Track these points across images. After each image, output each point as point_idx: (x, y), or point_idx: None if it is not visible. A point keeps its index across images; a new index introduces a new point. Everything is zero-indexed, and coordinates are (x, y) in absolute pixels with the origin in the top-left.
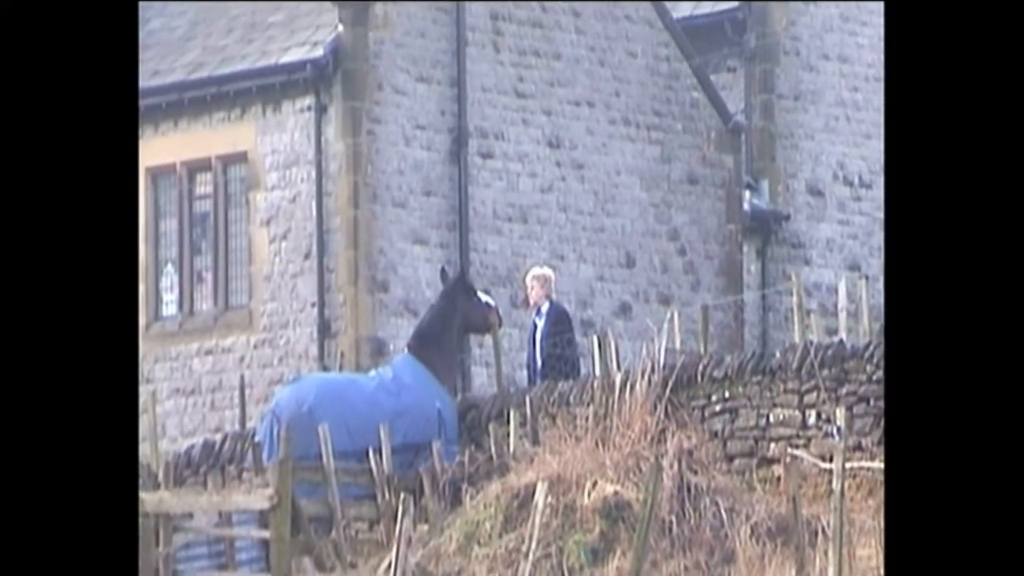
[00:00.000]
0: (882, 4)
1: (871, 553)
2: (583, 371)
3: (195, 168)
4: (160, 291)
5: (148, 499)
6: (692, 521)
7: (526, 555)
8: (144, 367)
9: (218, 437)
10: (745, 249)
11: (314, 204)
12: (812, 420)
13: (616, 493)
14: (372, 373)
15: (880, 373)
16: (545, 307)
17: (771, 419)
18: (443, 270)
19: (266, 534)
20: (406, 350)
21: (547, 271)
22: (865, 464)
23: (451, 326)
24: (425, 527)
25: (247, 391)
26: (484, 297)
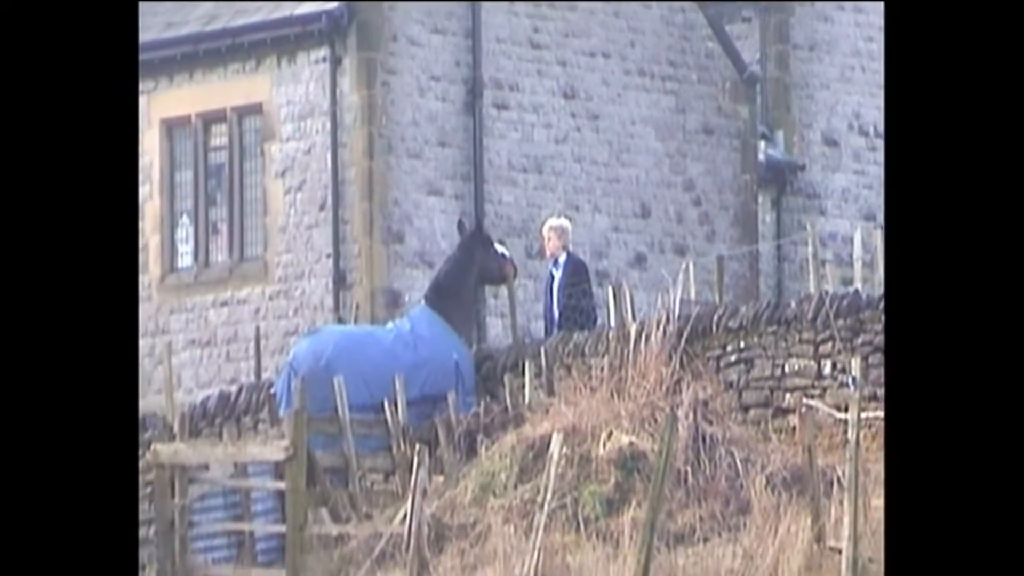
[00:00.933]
0: None
1: None
2: (599, 322)
3: (210, 119)
4: (175, 242)
5: (163, 450)
6: (707, 471)
7: (541, 506)
8: (159, 318)
9: (233, 388)
10: (760, 199)
11: (329, 155)
12: (827, 370)
13: (631, 444)
14: (390, 325)
15: None
16: (562, 258)
17: (786, 369)
18: (460, 222)
19: (282, 485)
20: (423, 302)
21: (564, 222)
22: (880, 414)
23: (469, 277)
24: (440, 478)
25: (262, 342)
26: (500, 248)
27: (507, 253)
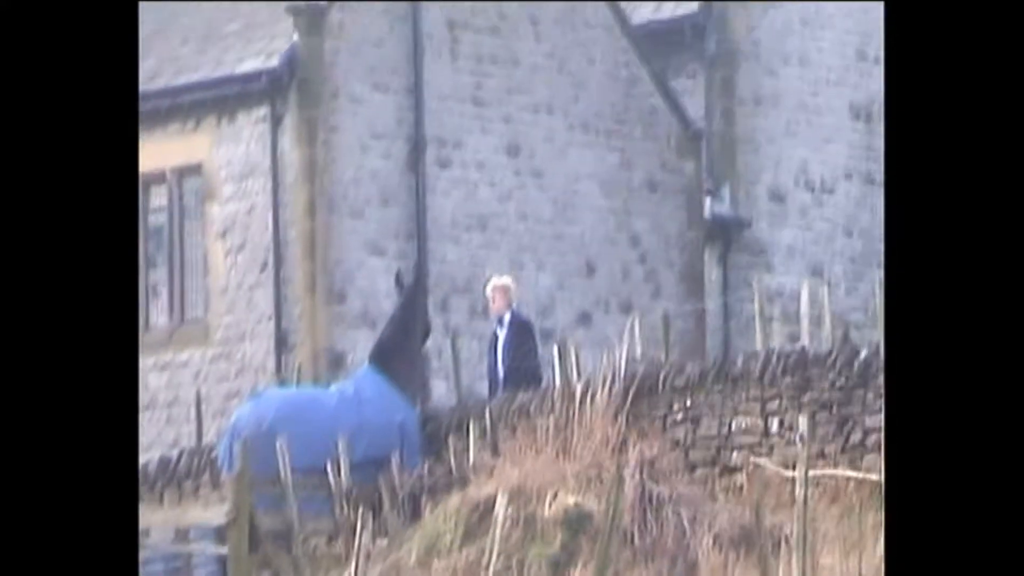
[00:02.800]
0: (841, 5)
1: (834, 562)
2: (544, 381)
3: (150, 181)
4: None
5: None
6: (655, 531)
7: (486, 567)
8: None
9: (174, 452)
10: (707, 255)
11: (270, 215)
12: (775, 428)
13: (577, 504)
14: (333, 388)
15: (843, 380)
16: (507, 317)
17: (733, 427)
18: (398, 274)
19: (224, 550)
20: (367, 362)
21: (508, 280)
22: (828, 472)
23: (413, 335)
24: (384, 541)
25: (204, 406)
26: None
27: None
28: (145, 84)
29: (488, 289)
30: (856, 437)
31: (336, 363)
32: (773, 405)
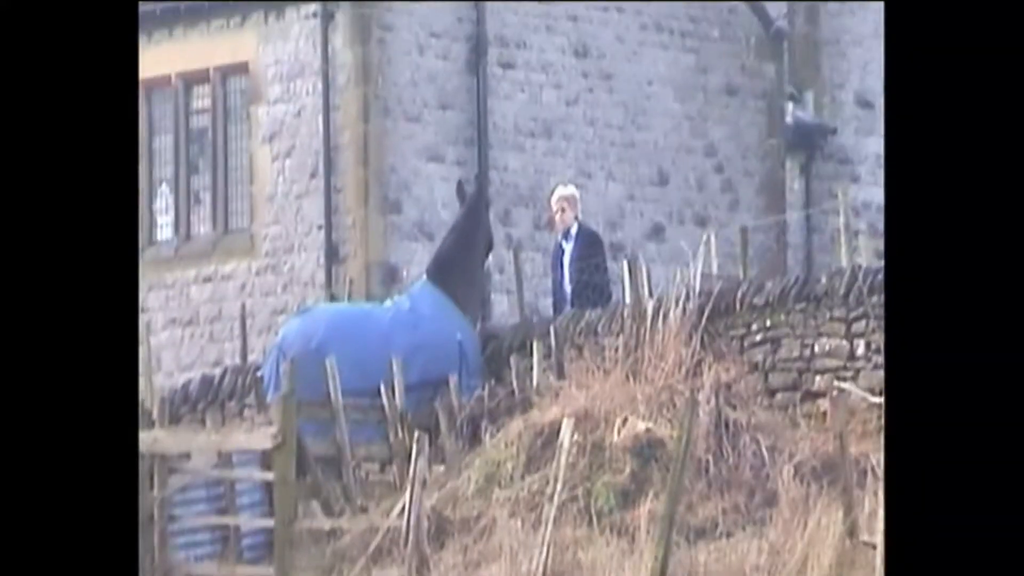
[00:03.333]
0: None
1: None
2: (614, 298)
3: (192, 80)
4: (154, 213)
5: (142, 438)
6: (731, 460)
7: (551, 498)
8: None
9: (217, 371)
10: (788, 165)
11: (320, 119)
12: (860, 350)
13: (648, 430)
14: (388, 303)
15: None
16: (573, 229)
17: (816, 349)
18: (460, 185)
19: (269, 476)
20: (424, 277)
21: (574, 190)
22: None
23: (475, 248)
24: (441, 468)
25: (249, 321)
26: None
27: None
28: None
29: (553, 200)
30: None
31: (390, 277)
32: (859, 326)
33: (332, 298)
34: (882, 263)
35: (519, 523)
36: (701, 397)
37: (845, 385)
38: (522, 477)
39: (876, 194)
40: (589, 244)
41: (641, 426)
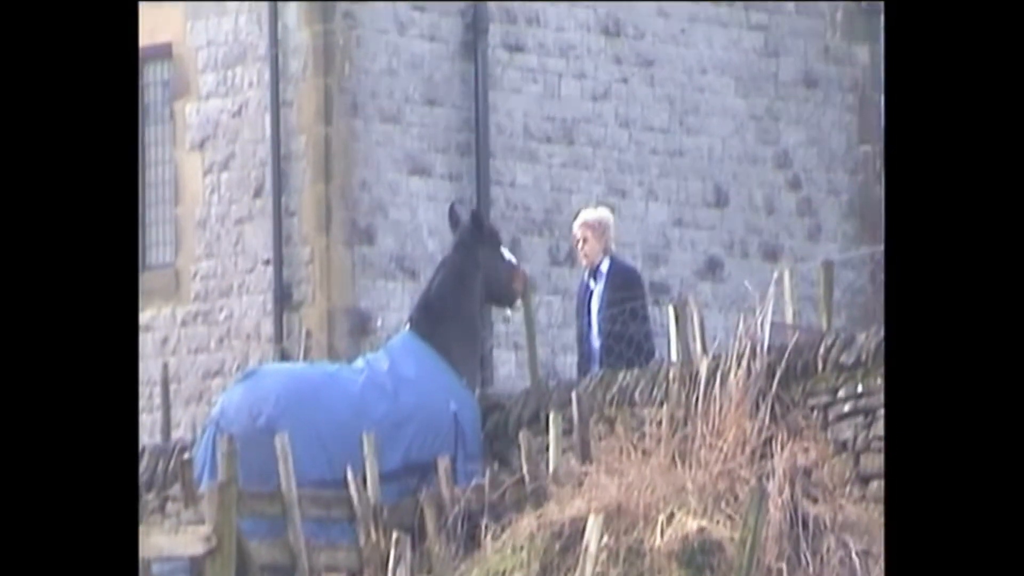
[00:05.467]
0: None
1: None
2: (656, 355)
3: None
4: None
5: None
6: (812, 569)
7: None
8: None
9: None
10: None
11: (267, 119)
12: None
13: (702, 530)
14: (358, 363)
15: None
16: (604, 265)
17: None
18: (452, 209)
19: None
20: (407, 327)
21: (605, 213)
22: None
23: (471, 292)
24: None
25: (172, 387)
26: (505, 254)
27: (512, 259)
28: None
29: (577, 227)
30: None
31: (361, 328)
32: None
33: (284, 356)
34: None
35: None
36: (771, 486)
37: None
38: None
39: None
40: (624, 284)
41: (692, 525)
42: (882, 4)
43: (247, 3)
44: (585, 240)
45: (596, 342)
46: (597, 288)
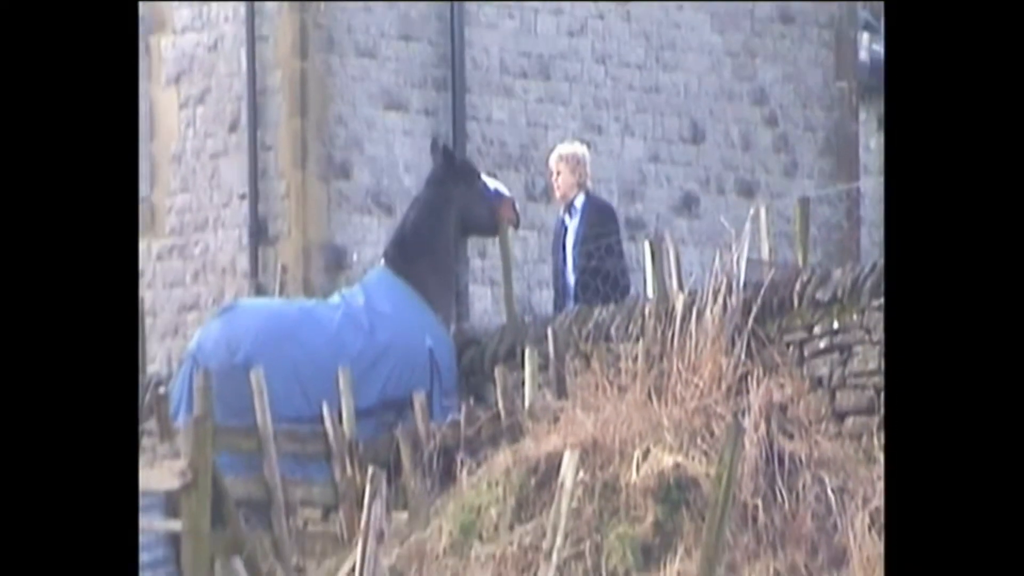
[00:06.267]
0: None
1: None
2: (632, 291)
3: None
4: None
5: None
6: (787, 506)
7: (548, 555)
8: None
9: None
10: (863, 116)
11: (243, 53)
12: None
13: (677, 466)
14: (334, 298)
15: None
16: (579, 200)
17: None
18: (435, 143)
19: (177, 526)
20: (382, 262)
21: (580, 149)
22: None
23: (446, 226)
24: (404, 515)
25: (148, 321)
26: (492, 183)
27: (504, 190)
28: None
29: (552, 161)
30: None
31: (336, 263)
32: None
33: (260, 291)
34: None
35: None
36: (747, 423)
37: None
38: (510, 528)
39: None
40: (599, 220)
41: (668, 460)
42: None
43: None
44: (559, 173)
45: (571, 278)
46: (572, 224)
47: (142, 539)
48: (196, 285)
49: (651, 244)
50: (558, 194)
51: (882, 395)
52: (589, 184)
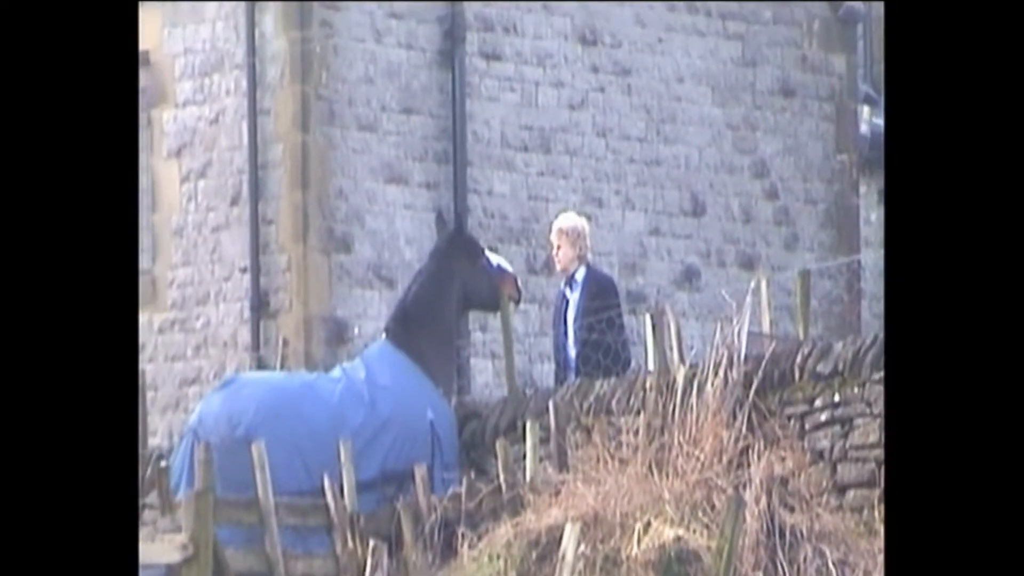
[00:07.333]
0: None
1: None
2: (633, 364)
3: None
4: None
5: None
6: None
7: None
8: None
9: None
10: (863, 189)
11: (244, 127)
12: None
13: (678, 539)
14: (335, 372)
15: None
16: (580, 273)
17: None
18: (440, 217)
19: None
20: (384, 336)
21: (580, 221)
22: None
23: (448, 300)
24: None
25: (149, 395)
26: (495, 258)
27: (506, 266)
28: None
29: (553, 234)
30: None
31: (337, 337)
32: None
33: (261, 364)
34: None
35: None
36: (748, 496)
37: None
38: None
39: None
40: (600, 292)
41: (669, 534)
42: (859, 13)
43: (224, 10)
44: (559, 247)
45: (572, 351)
46: (573, 297)
47: None
48: (197, 359)
49: (652, 317)
50: (559, 267)
51: (883, 468)
52: (590, 257)
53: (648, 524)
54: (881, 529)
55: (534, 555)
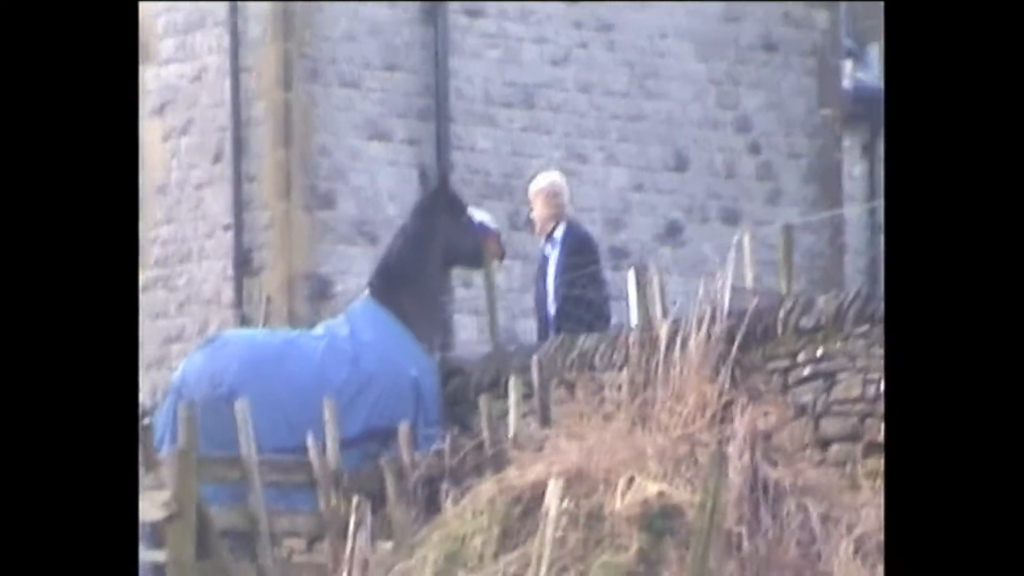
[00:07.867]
0: None
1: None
2: (614, 320)
3: None
4: None
5: None
6: (771, 534)
7: None
8: None
9: None
10: (846, 144)
11: (227, 84)
12: None
13: (662, 494)
14: (318, 329)
15: None
16: (559, 231)
17: (883, 387)
18: (425, 174)
19: (161, 557)
20: (366, 293)
21: (554, 179)
22: None
23: (431, 257)
24: (388, 545)
25: None
26: (478, 215)
27: (490, 223)
28: None
29: (532, 191)
30: None
31: (320, 294)
32: None
33: (244, 322)
34: None
35: None
36: (731, 450)
37: None
38: (495, 557)
39: None
40: (578, 249)
41: (652, 489)
42: None
43: None
44: (542, 205)
45: (553, 307)
46: (553, 254)
47: None
48: (181, 316)
49: (635, 272)
50: (539, 225)
51: (866, 421)
52: (570, 211)
53: (631, 479)
54: (864, 483)
55: (517, 511)
